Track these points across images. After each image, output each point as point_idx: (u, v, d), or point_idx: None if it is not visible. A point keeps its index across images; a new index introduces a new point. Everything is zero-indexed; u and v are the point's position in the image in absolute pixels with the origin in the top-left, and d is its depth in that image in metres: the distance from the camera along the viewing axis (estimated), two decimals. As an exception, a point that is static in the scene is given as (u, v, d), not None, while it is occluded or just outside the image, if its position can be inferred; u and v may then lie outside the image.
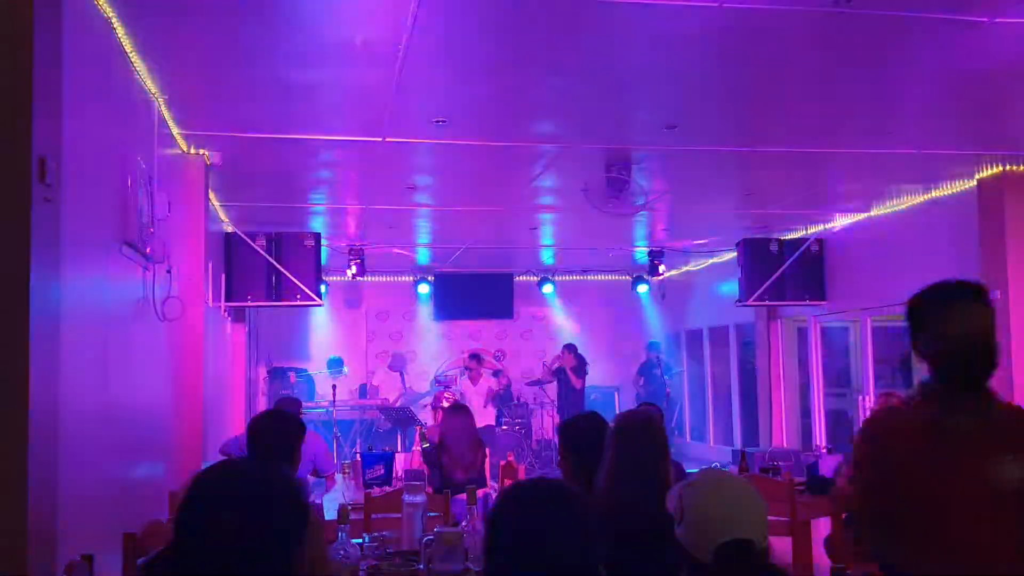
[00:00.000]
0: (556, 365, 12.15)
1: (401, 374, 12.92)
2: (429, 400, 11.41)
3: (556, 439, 3.95)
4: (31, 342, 2.74)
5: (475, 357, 11.76)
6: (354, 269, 11.35)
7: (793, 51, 4.79)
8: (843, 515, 5.08)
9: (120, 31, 4.25)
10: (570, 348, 12.39)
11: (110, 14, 4.07)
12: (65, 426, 3.13)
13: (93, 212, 3.92)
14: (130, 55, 4.52)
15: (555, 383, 12.38)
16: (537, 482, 2.20)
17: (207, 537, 1.82)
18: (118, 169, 4.35)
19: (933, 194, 8.20)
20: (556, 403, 12.42)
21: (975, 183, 7.56)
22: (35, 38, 2.81)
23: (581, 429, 3.75)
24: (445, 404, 7.02)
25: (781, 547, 5.34)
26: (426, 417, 11.09)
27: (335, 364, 12.88)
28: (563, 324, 14.12)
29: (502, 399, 12.45)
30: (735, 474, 2.49)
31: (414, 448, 7.64)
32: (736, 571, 2.12)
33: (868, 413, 6.39)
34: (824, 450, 7.41)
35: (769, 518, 5.91)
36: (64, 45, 3.09)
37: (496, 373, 13.40)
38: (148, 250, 4.75)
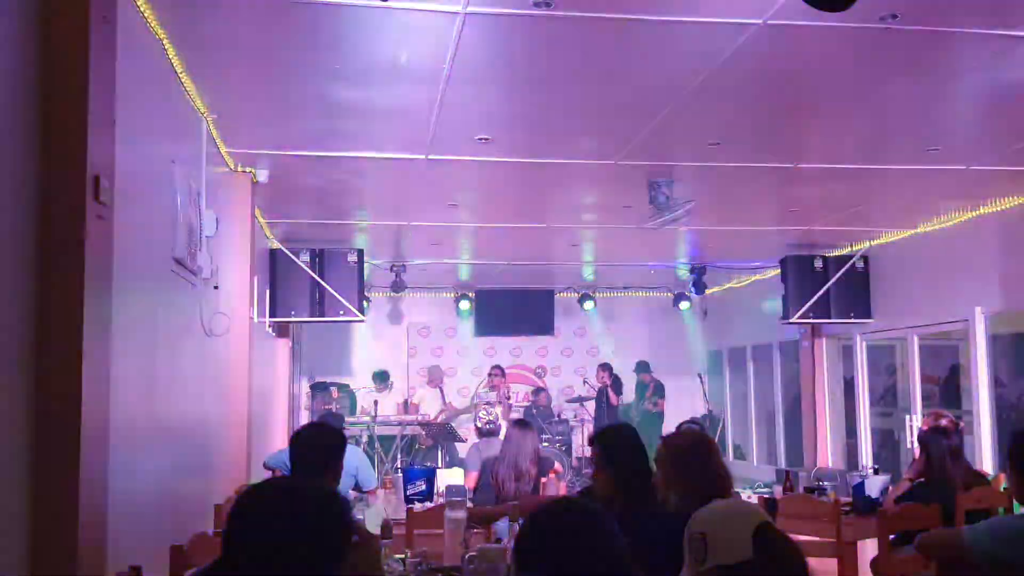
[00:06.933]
0: (599, 385, 12.52)
1: (440, 389, 12.93)
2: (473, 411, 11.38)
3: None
4: (83, 357, 2.80)
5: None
6: (395, 285, 11.42)
7: (837, 67, 4.75)
8: (891, 536, 4.99)
9: (171, 52, 4.34)
10: (606, 367, 12.60)
11: (161, 36, 4.15)
12: (115, 439, 3.18)
13: (144, 229, 4.00)
14: (180, 75, 4.61)
15: (594, 400, 12.59)
16: (560, 503, 2.22)
17: (254, 552, 1.88)
18: (168, 187, 4.44)
19: (981, 210, 8.06)
20: (594, 420, 12.50)
21: (1024, 199, 7.44)
22: (90, 60, 2.88)
23: (619, 439, 3.71)
24: (479, 423, 6.97)
25: (827, 568, 5.27)
26: (468, 433, 11.07)
27: (381, 377, 12.81)
28: (604, 341, 14.07)
29: (543, 416, 12.47)
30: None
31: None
32: (772, 546, 2.19)
33: (916, 432, 6.28)
34: (870, 470, 7.29)
35: (815, 539, 5.81)
36: (118, 66, 3.17)
37: (537, 391, 13.42)
38: (196, 267, 4.83)
